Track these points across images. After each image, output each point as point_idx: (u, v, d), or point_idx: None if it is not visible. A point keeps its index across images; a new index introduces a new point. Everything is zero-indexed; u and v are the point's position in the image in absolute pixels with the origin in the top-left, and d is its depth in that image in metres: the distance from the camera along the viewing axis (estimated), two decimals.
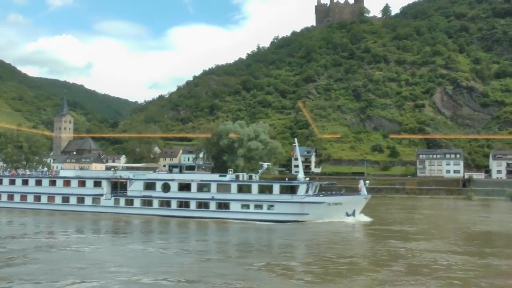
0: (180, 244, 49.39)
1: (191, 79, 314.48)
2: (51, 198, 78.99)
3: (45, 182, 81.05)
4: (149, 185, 73.94)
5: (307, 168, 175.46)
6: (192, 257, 40.44)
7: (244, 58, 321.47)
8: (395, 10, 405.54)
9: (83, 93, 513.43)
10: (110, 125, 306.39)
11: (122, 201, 74.76)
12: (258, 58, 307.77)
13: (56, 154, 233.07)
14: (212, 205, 69.78)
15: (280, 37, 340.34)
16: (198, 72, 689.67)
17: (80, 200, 77.08)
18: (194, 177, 72.78)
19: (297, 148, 74.13)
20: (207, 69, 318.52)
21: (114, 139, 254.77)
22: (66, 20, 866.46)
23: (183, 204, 71.48)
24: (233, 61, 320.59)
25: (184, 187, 72.02)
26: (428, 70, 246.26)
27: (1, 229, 58.21)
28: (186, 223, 65.05)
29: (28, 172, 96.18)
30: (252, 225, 63.50)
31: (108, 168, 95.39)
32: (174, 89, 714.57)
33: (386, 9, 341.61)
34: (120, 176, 77.68)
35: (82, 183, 77.99)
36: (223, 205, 69.34)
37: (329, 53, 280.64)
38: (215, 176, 73.77)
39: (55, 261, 36.83)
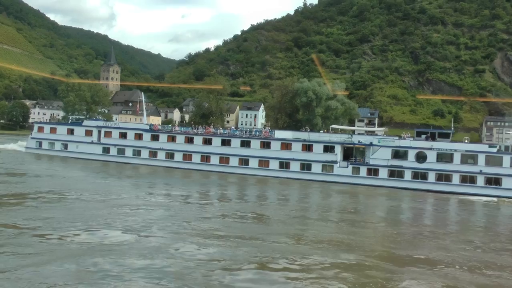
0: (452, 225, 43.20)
1: (238, 35, 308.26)
2: (264, 162, 71.07)
3: (255, 143, 72.75)
4: (400, 154, 65.78)
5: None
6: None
7: (292, 14, 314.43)
8: None
9: (107, 44, 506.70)
10: (155, 77, 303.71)
11: (362, 170, 66.60)
12: (307, 15, 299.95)
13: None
14: (480, 180, 61.94)
15: None
16: (225, 28, 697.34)
17: (305, 166, 68.77)
18: (457, 147, 64.88)
19: None
20: (255, 23, 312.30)
21: (163, 92, 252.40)
22: None
23: (443, 177, 63.38)
24: (281, 17, 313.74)
25: (443, 157, 64.08)
26: (488, 34, 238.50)
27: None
28: (445, 200, 57.59)
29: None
30: None
31: (334, 130, 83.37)
32: (198, 44, 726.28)
33: None
34: (359, 141, 69.70)
35: (306, 147, 69.82)
36: (493, 181, 61.42)
37: (382, 13, 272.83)
38: (483, 147, 66.64)
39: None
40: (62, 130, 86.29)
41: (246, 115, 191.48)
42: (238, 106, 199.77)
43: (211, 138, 75.65)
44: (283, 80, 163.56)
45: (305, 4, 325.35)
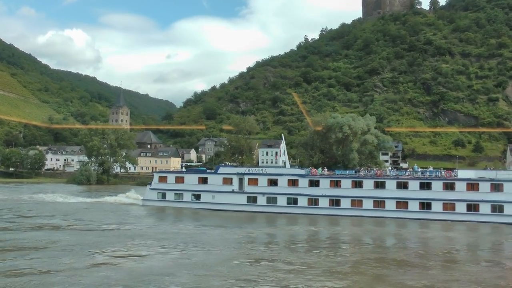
0: None
1: (244, 72, 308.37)
2: (449, 205, 65.49)
3: (437, 185, 67.09)
4: None
5: (395, 163, 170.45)
6: None
7: (295, 49, 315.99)
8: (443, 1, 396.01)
9: (97, 86, 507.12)
10: (163, 117, 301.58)
11: None
12: (311, 50, 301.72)
13: None
14: None
15: (328, 29, 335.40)
16: (210, 66, 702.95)
17: (497, 208, 63.99)
18: None
19: None
20: (260, 60, 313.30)
21: (174, 132, 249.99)
22: (76, 14, 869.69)
23: None
24: (284, 53, 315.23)
25: None
26: (497, 63, 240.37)
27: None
28: None
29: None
30: None
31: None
32: (184, 83, 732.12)
33: (435, 1, 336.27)
34: None
35: (495, 187, 64.47)
36: None
37: (388, 45, 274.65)
38: None
39: None
40: (192, 179, 78.84)
41: (267, 152, 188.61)
42: (257, 144, 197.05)
43: (384, 181, 69.93)
44: (315, 115, 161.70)
45: (306, 39, 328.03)
